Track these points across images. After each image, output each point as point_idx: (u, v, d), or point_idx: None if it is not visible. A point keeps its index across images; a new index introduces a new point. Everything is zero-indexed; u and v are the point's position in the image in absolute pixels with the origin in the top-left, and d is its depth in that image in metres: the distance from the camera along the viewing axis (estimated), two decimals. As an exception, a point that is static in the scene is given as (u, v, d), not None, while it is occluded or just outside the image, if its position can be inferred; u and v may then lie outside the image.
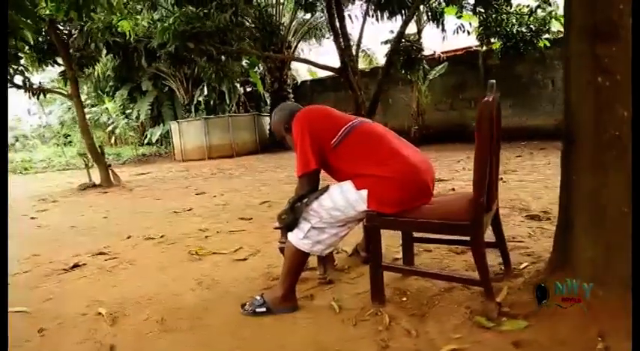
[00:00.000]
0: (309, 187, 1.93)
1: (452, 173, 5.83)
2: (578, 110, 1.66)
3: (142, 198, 6.31)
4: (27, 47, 7.29)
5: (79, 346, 1.91)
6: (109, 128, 17.51)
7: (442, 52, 11.27)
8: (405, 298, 1.98)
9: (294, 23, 13.03)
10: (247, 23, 7.89)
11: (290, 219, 1.89)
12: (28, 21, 2.87)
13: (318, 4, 7.91)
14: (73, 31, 6.80)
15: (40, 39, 7.34)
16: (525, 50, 8.83)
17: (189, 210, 4.93)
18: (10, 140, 20.06)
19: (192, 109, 15.79)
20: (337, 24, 7.76)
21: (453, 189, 4.55)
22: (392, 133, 2.01)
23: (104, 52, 6.89)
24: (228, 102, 15.68)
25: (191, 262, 2.97)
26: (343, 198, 1.86)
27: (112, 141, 19.31)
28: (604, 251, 1.62)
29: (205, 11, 5.94)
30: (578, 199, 1.70)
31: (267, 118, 14.68)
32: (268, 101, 15.91)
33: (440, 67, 10.79)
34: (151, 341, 1.88)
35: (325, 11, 8.36)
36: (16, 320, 2.24)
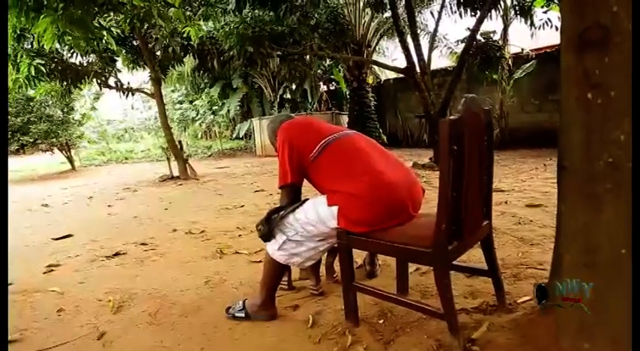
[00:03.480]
0: (287, 200, 1.93)
1: (516, 183, 5.38)
2: (567, 133, 1.43)
3: (208, 192, 6.70)
4: (123, 51, 8.16)
5: (80, 328, 2.11)
6: (197, 123, 18.77)
7: (531, 50, 10.38)
8: (382, 321, 1.89)
9: (374, 22, 12.84)
10: (319, 23, 7.95)
11: (265, 230, 1.90)
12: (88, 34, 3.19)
13: (386, 3, 7.69)
14: (156, 37, 7.43)
15: (135, 43, 8.15)
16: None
17: (241, 207, 5.14)
18: (120, 132, 22.45)
19: (277, 106, 16.36)
20: (402, 23, 7.51)
21: (506, 202, 4.20)
22: (375, 147, 1.91)
23: (182, 55, 7.43)
24: (310, 100, 15.99)
25: (212, 259, 3.11)
26: (315, 213, 1.82)
27: (205, 134, 20.68)
28: (594, 299, 1.39)
29: (272, 14, 6.12)
30: (567, 235, 1.48)
31: (346, 117, 14.72)
32: (349, 99, 15.94)
33: (527, 65, 9.95)
34: (134, 332, 2.02)
35: (396, 10, 8.13)
36: (48, 298, 2.54)
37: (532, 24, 9.18)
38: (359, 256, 2.62)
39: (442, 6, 8.35)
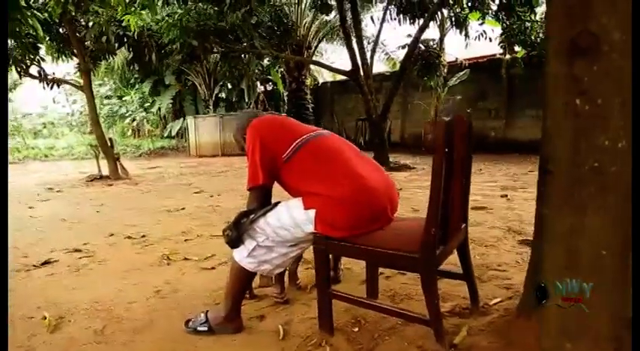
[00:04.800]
0: (257, 203, 1.78)
1: (458, 186, 5.57)
2: (554, 137, 1.44)
3: (142, 193, 6.29)
4: (47, 38, 7.42)
5: (9, 353, 1.81)
6: (127, 120, 17.76)
7: (465, 59, 10.93)
8: (357, 329, 1.81)
9: (315, 23, 12.88)
10: (263, 22, 7.78)
11: (233, 235, 1.75)
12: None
13: (333, 5, 7.72)
14: (89, 24, 6.84)
15: (61, 31, 7.45)
16: (550, 61, 8.42)
17: (182, 209, 4.85)
18: (39, 127, 20.63)
19: (212, 105, 15.88)
20: (351, 26, 7.58)
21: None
22: (351, 149, 1.83)
23: (116, 46, 6.90)
24: (247, 99, 15.69)
25: (159, 266, 2.87)
26: (290, 217, 1.70)
27: (134, 132, 19.58)
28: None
29: (216, 9, 5.87)
30: (550, 238, 1.49)
31: (284, 118, 14.60)
32: (287, 101, 15.86)
33: (461, 73, 10.47)
34: (79, 355, 1.78)
35: (343, 13, 8.17)
36: (-36, 318, 2.17)
37: (467, 35, 9.66)
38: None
39: (385, 12, 8.52)
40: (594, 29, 1.30)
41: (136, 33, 5.67)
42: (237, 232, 1.74)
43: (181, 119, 17.06)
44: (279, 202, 1.79)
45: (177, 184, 7.18)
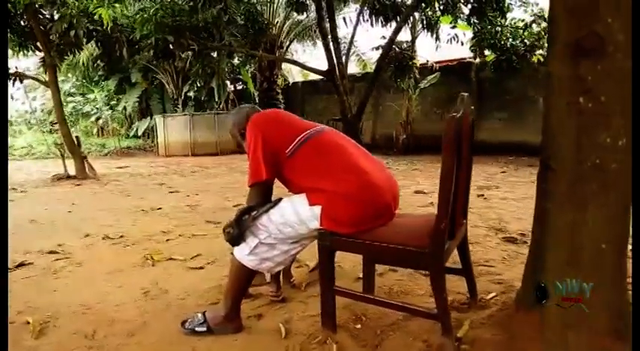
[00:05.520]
0: (259, 199, 1.75)
1: (434, 185, 5.68)
2: (557, 134, 1.49)
3: (113, 193, 6.08)
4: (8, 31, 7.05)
5: (-6, 361, 1.71)
6: (92, 118, 17.17)
7: (435, 62, 11.15)
8: (359, 325, 1.81)
9: (287, 23, 12.84)
10: (237, 20, 7.70)
11: (235, 233, 1.71)
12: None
13: (309, 4, 7.72)
14: (55, 16, 6.54)
15: (23, 23, 7.10)
16: (519, 64, 8.72)
17: (159, 209, 4.73)
18: (-8, 125, 19.55)
19: (181, 104, 15.54)
20: (327, 26, 7.59)
21: (431, 203, 4.40)
22: (353, 144, 1.83)
23: (84, 41, 6.63)
24: (217, 99, 15.44)
25: (143, 267, 2.78)
26: (294, 213, 1.68)
27: (98, 131, 18.91)
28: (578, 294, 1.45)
29: (192, 4, 5.75)
30: (553, 234, 1.53)
31: (256, 118, 14.45)
32: (257, 100, 15.71)
33: (432, 76, 10.66)
34: (71, 360, 1.69)
35: (321, 11, 8.18)
36: None
37: (437, 38, 9.87)
38: (314, 258, 2.52)
39: (359, 13, 8.59)
40: (600, 31, 1.35)
41: (109, 27, 5.46)
42: (238, 230, 1.70)
43: (148, 118, 16.62)
44: (281, 199, 1.76)
45: (149, 183, 6.98)
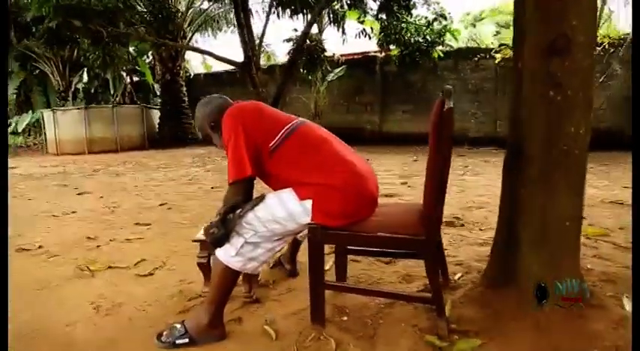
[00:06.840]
0: (242, 196, 1.66)
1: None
2: (529, 123, 1.64)
3: (10, 198, 5.33)
4: None
5: None
6: (-39, 113, 14.83)
7: (341, 55, 11.47)
8: (345, 317, 1.82)
9: (190, 12, 12.24)
10: (140, 7, 7.15)
11: (220, 233, 1.61)
12: None
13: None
14: None
15: None
16: (421, 59, 9.34)
17: (73, 213, 4.25)
18: None
19: (70, 97, 14.08)
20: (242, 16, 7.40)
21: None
22: (335, 137, 1.83)
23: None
24: (112, 91, 14.25)
25: (81, 279, 2.48)
26: (283, 209, 1.63)
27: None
28: (551, 269, 1.62)
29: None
30: (525, 214, 1.69)
31: (157, 111, 13.62)
32: (158, 93, 14.83)
33: (339, 69, 10.96)
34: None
35: (226, 2, 7.92)
36: None
37: (344, 32, 10.15)
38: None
39: (270, 5, 8.49)
40: (568, 32, 1.51)
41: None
42: (224, 230, 1.61)
43: (30, 113, 14.81)
44: (265, 195, 1.70)
45: (49, 185, 6.24)
